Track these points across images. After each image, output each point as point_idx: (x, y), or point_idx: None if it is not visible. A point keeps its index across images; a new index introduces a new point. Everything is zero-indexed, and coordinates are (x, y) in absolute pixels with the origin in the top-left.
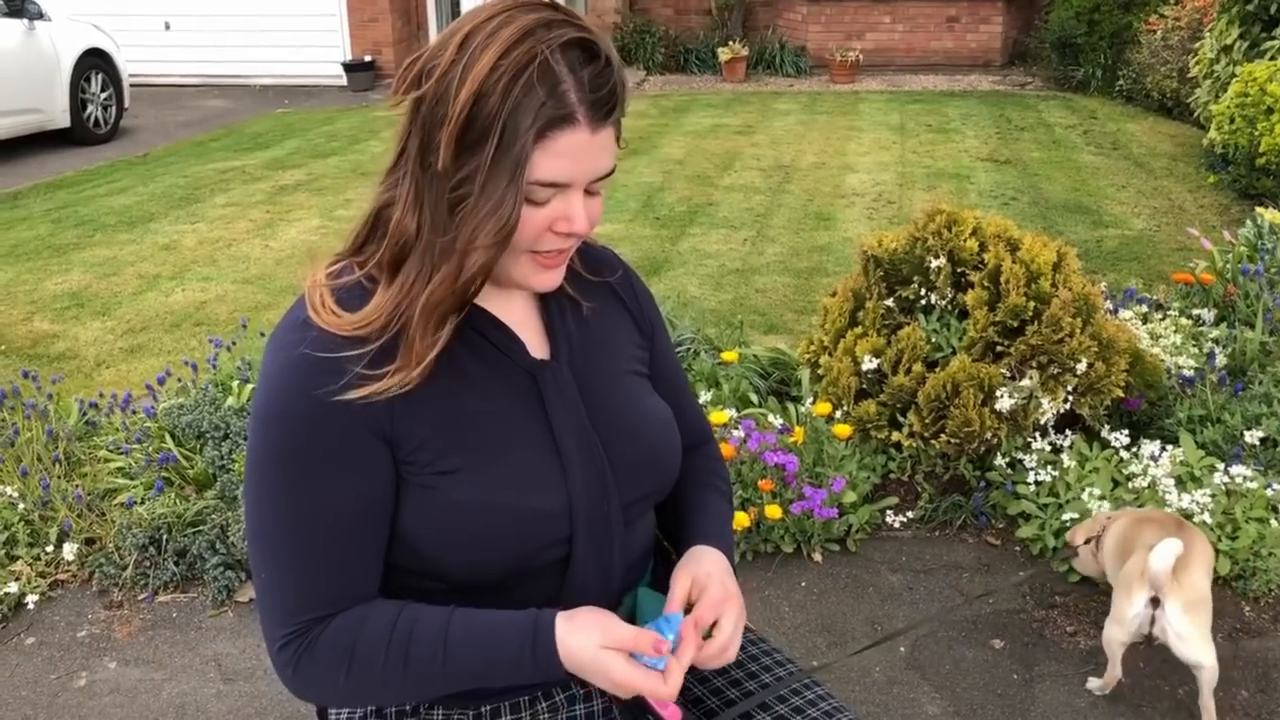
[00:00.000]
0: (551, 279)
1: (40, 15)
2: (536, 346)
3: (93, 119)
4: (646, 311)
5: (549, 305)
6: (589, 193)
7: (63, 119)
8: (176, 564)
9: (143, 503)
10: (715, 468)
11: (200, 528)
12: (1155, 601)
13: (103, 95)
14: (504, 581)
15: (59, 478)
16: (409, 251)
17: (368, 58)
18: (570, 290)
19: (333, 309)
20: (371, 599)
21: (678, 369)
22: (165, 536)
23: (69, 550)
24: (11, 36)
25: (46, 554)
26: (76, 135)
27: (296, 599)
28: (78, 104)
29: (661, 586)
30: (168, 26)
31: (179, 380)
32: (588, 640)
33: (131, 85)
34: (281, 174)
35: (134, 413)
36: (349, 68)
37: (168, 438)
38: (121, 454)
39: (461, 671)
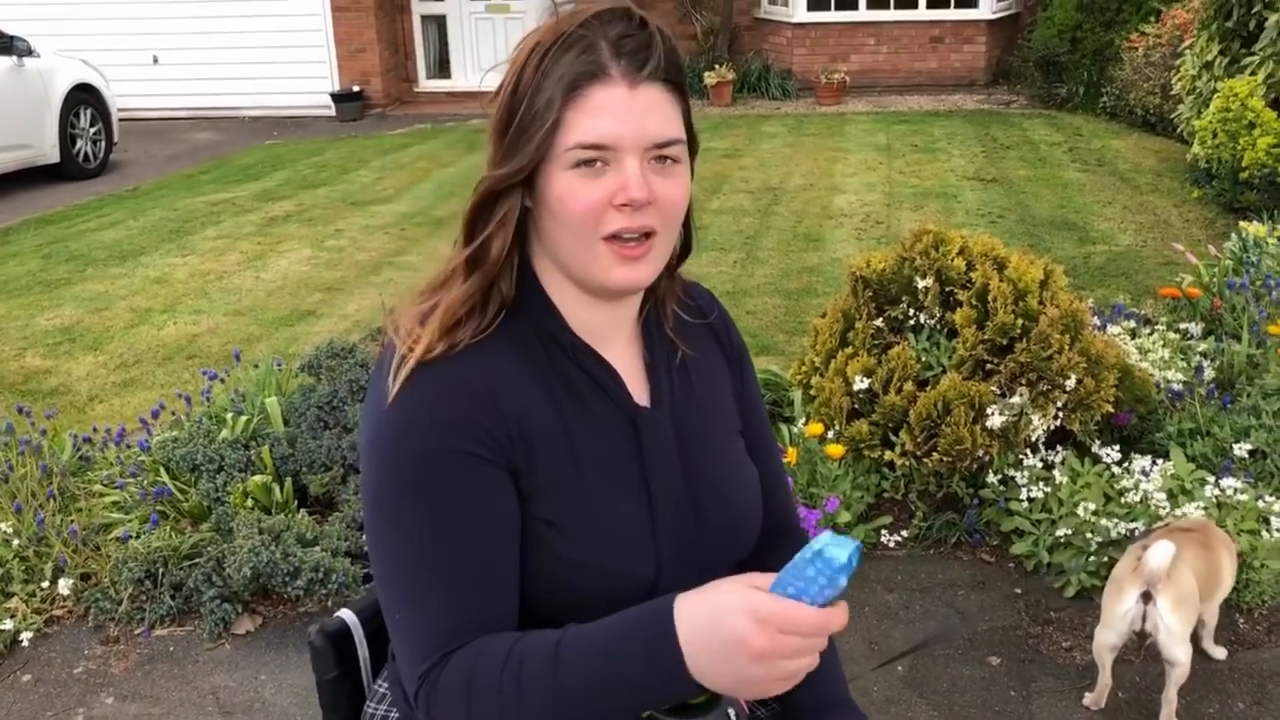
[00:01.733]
0: (632, 273)
1: (29, 52)
2: (638, 391)
3: (82, 154)
4: (740, 354)
5: (653, 351)
6: (657, 169)
7: (52, 154)
8: (173, 597)
9: (138, 536)
10: None
11: (196, 560)
12: (1147, 597)
13: (92, 130)
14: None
15: (54, 513)
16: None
17: (356, 88)
18: (672, 335)
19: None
20: (511, 627)
21: (765, 422)
22: (161, 570)
23: (64, 586)
24: (0, 73)
25: (42, 590)
26: (66, 170)
27: (429, 637)
28: (67, 139)
29: None
30: (156, 60)
31: (172, 413)
32: (712, 593)
33: (121, 119)
34: (271, 205)
35: (128, 447)
36: (337, 98)
37: (162, 471)
38: (116, 488)
39: (576, 676)
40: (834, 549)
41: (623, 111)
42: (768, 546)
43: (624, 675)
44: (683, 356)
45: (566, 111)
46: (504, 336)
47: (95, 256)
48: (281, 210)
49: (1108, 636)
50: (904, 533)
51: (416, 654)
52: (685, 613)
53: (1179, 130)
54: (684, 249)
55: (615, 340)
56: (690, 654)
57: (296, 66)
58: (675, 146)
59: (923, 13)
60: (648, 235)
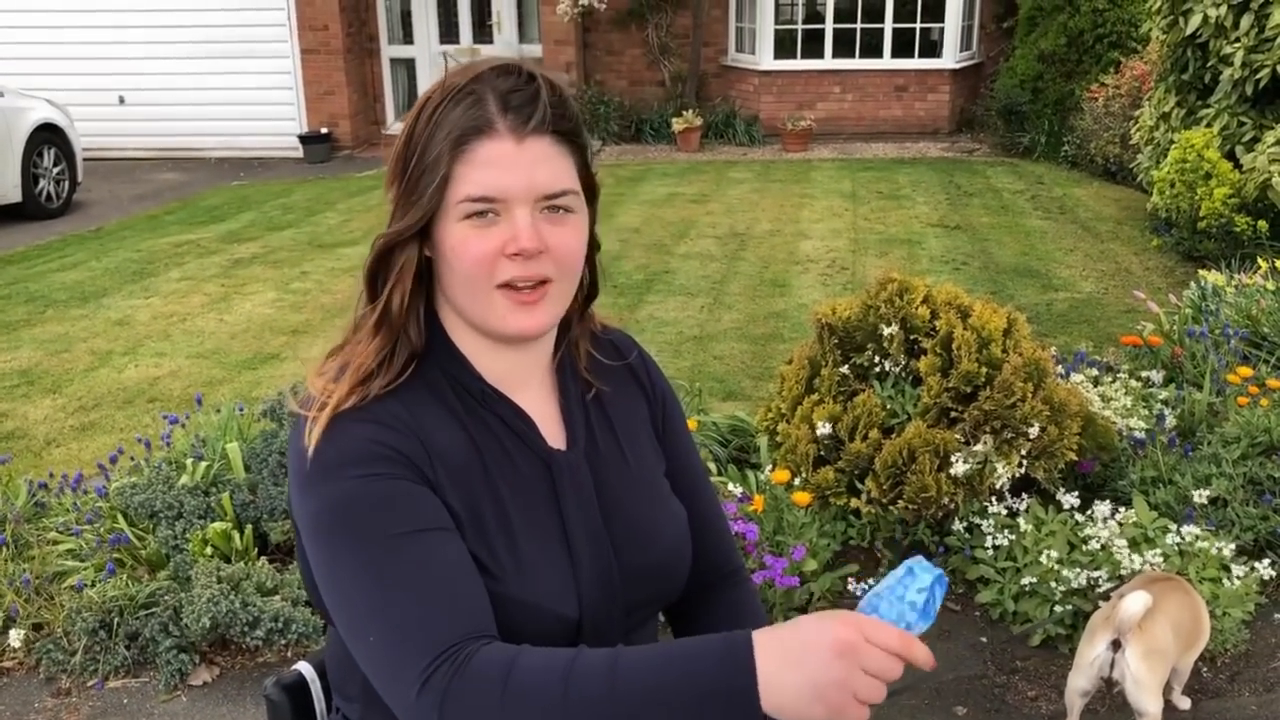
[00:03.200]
0: (529, 320)
1: None
2: (554, 435)
3: (45, 193)
4: (663, 393)
5: (567, 394)
6: (550, 218)
7: (14, 194)
8: (128, 648)
9: (93, 585)
10: (753, 607)
11: (153, 610)
12: (1116, 645)
13: (55, 169)
14: None
15: (6, 560)
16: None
17: (324, 129)
18: (587, 376)
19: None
20: (493, 633)
21: (695, 459)
22: (116, 620)
23: (15, 637)
24: None
25: None
26: (28, 210)
27: (418, 638)
28: (30, 178)
29: None
30: (122, 100)
31: (131, 459)
32: (803, 624)
33: (85, 159)
34: (237, 247)
35: (85, 492)
36: (305, 139)
37: (120, 518)
38: (72, 535)
39: (635, 679)
40: (921, 570)
41: (510, 164)
42: (709, 587)
43: (691, 677)
44: (600, 398)
45: (456, 165)
46: (418, 384)
47: (56, 298)
48: (247, 252)
49: (1078, 681)
50: (870, 580)
51: (408, 658)
52: (763, 634)
53: (1139, 180)
54: (590, 292)
55: (528, 385)
56: (764, 657)
57: (264, 108)
58: (567, 196)
59: (888, 62)
60: (542, 282)
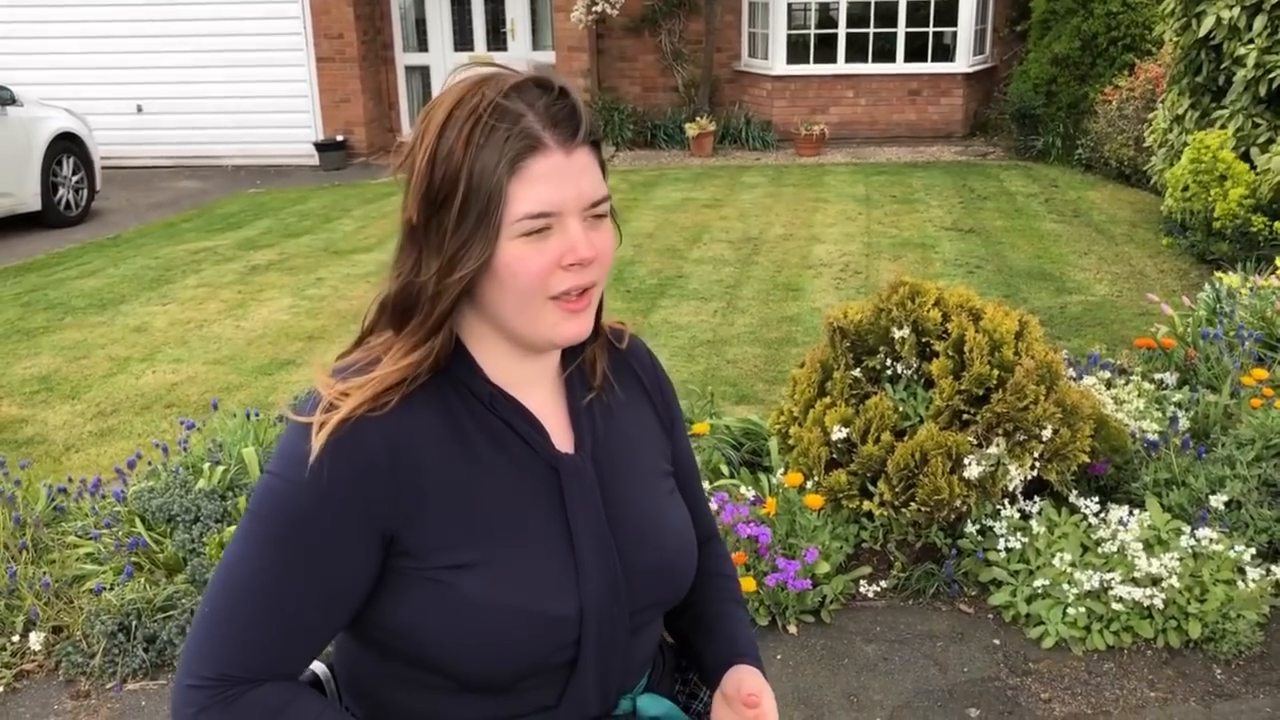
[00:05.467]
0: (579, 325)
1: (12, 101)
2: (561, 438)
3: (64, 202)
4: (670, 404)
5: (575, 396)
6: (592, 224)
7: (34, 202)
8: (146, 650)
9: (112, 588)
10: (727, 569)
11: (171, 613)
12: None
13: (74, 178)
14: (515, 683)
15: (26, 564)
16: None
17: (340, 137)
18: (597, 379)
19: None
20: (295, 679)
21: (691, 460)
22: (134, 622)
23: (35, 640)
24: None
25: (13, 644)
26: (47, 218)
27: (228, 652)
28: (49, 187)
29: (659, 687)
30: (140, 109)
31: (149, 463)
32: None
33: (104, 167)
34: (253, 254)
35: (103, 497)
36: (321, 147)
37: (138, 522)
38: (90, 539)
39: None
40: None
41: (562, 177)
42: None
43: None
44: (607, 402)
45: (510, 185)
46: (425, 390)
47: (75, 305)
48: (263, 259)
49: None
50: (883, 583)
51: (204, 659)
52: None
53: (1152, 182)
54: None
55: (538, 388)
56: None
57: (280, 116)
58: (605, 203)
59: (900, 66)
60: (588, 288)
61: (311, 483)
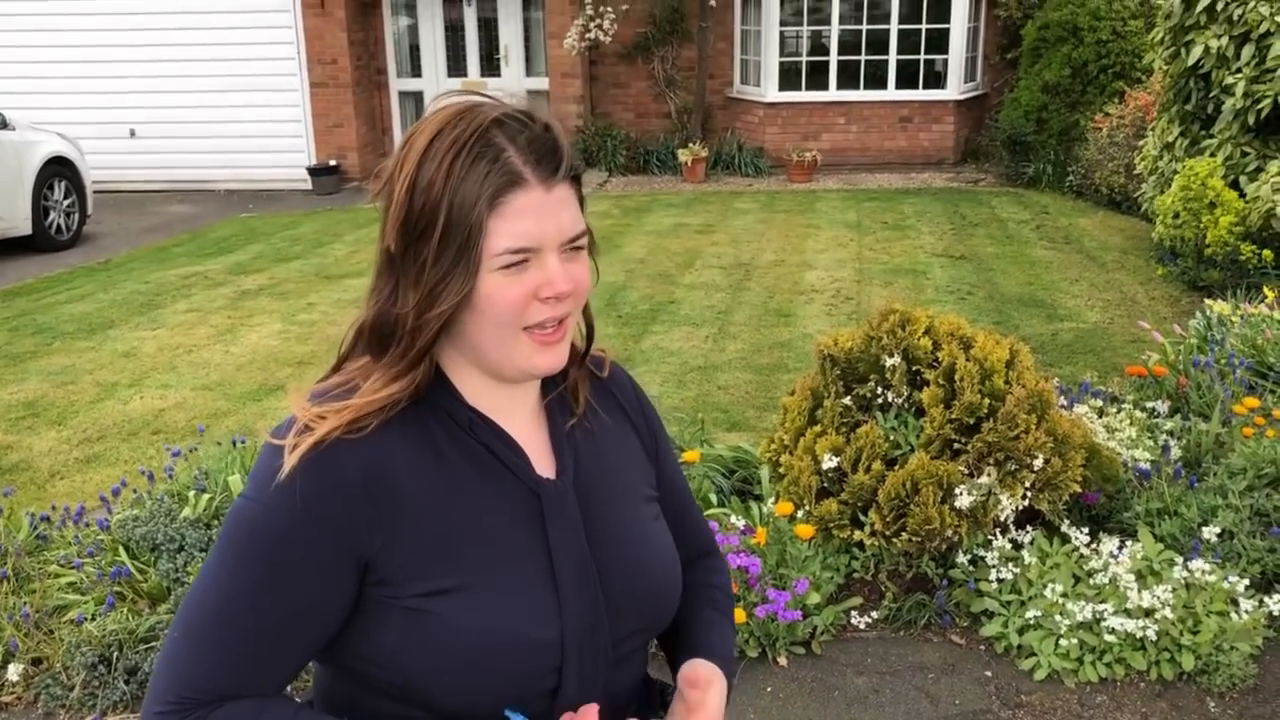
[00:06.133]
0: (554, 358)
1: (4, 124)
2: (543, 464)
3: (55, 226)
4: (652, 427)
5: (556, 423)
6: (569, 257)
7: (25, 226)
8: (127, 682)
9: (93, 619)
10: (716, 580)
11: (153, 644)
12: None
13: (65, 202)
14: (497, 712)
15: (7, 594)
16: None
17: (332, 162)
18: (579, 406)
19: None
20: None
21: (680, 477)
22: (116, 654)
23: (14, 671)
24: None
25: None
26: (38, 242)
27: (197, 675)
28: (40, 211)
29: None
30: (133, 133)
31: (134, 491)
32: None
33: (96, 191)
34: (244, 279)
35: (87, 525)
36: (314, 171)
37: (121, 550)
38: (73, 568)
39: None
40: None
41: (541, 213)
42: (690, 563)
43: None
44: (589, 428)
45: (490, 220)
46: (403, 416)
47: (63, 329)
48: (254, 284)
49: None
50: (874, 614)
51: (171, 683)
52: None
53: (1143, 209)
54: (589, 333)
55: (518, 416)
56: None
57: (273, 140)
58: (583, 237)
59: (892, 93)
60: (563, 320)
61: (284, 503)
